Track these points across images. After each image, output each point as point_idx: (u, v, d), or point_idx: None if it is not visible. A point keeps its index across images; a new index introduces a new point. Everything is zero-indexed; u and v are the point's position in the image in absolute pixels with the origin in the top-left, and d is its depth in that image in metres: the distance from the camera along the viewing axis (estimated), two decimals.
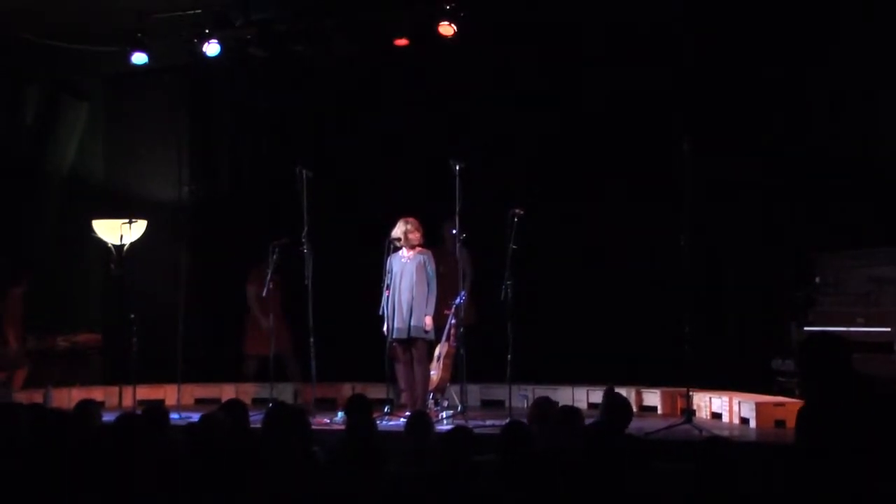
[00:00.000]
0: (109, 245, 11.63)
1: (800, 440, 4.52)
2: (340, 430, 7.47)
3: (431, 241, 9.86)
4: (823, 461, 4.28)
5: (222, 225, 12.57)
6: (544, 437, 5.72)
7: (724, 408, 9.20)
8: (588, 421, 6.05)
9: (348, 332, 11.38)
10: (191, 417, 8.11)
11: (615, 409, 6.22)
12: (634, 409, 9.88)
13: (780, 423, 8.55)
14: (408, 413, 8.22)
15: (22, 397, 9.56)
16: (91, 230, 11.69)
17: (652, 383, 10.18)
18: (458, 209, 9.24)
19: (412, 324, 9.35)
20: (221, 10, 10.60)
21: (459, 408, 9.41)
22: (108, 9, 10.62)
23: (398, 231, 9.47)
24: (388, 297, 9.44)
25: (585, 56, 11.13)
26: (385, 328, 9.46)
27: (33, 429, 5.75)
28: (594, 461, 4.81)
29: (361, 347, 11.39)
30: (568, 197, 11.13)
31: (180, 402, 10.16)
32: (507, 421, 6.20)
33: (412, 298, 9.36)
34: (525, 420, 6.23)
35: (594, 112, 11.08)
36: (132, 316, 10.28)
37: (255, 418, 6.49)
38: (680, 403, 9.48)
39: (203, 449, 5.47)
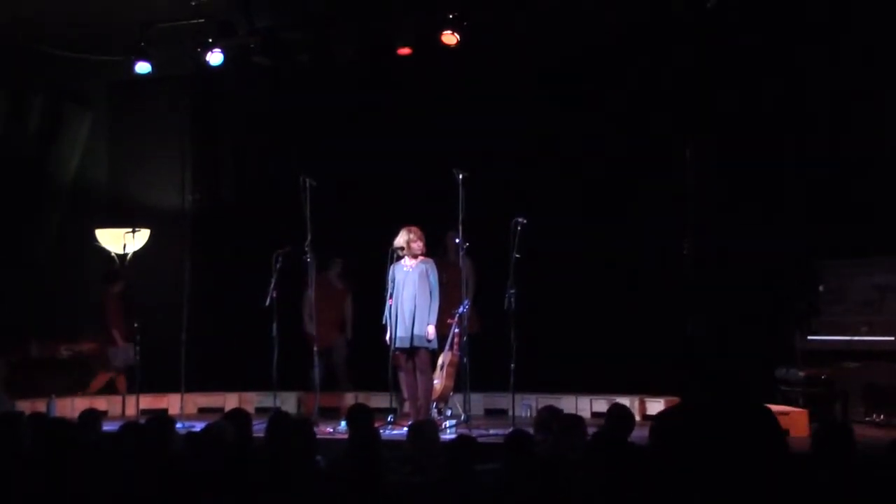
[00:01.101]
0: (113, 254, 11.65)
1: (653, 441, 4.62)
2: (343, 439, 7.46)
3: (435, 250, 9.86)
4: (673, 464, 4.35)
5: (226, 233, 12.57)
6: (547, 446, 5.71)
7: None
8: (590, 430, 6.03)
9: (352, 340, 11.40)
10: (194, 426, 8.10)
11: (616, 418, 6.21)
12: (638, 417, 9.90)
13: (783, 433, 8.51)
14: (411, 422, 8.20)
15: (25, 406, 9.56)
16: (94, 239, 11.70)
17: (655, 392, 10.16)
18: (461, 218, 9.23)
19: (415, 333, 9.34)
20: (224, 18, 10.62)
21: (463, 417, 9.39)
22: (112, 18, 10.66)
23: (401, 240, 9.46)
24: (390, 306, 9.42)
25: (588, 65, 11.15)
26: (388, 337, 9.44)
27: (35, 438, 5.75)
28: (597, 469, 4.80)
29: (365, 356, 11.40)
30: (571, 205, 11.13)
31: (183, 410, 10.16)
32: (510, 430, 6.20)
33: (415, 307, 9.34)
34: (528, 429, 6.21)
35: (597, 120, 11.09)
36: (135, 325, 10.29)
37: (259, 427, 6.49)
38: None
39: (206, 458, 5.46)
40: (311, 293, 10.08)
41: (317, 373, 9.81)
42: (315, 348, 9.91)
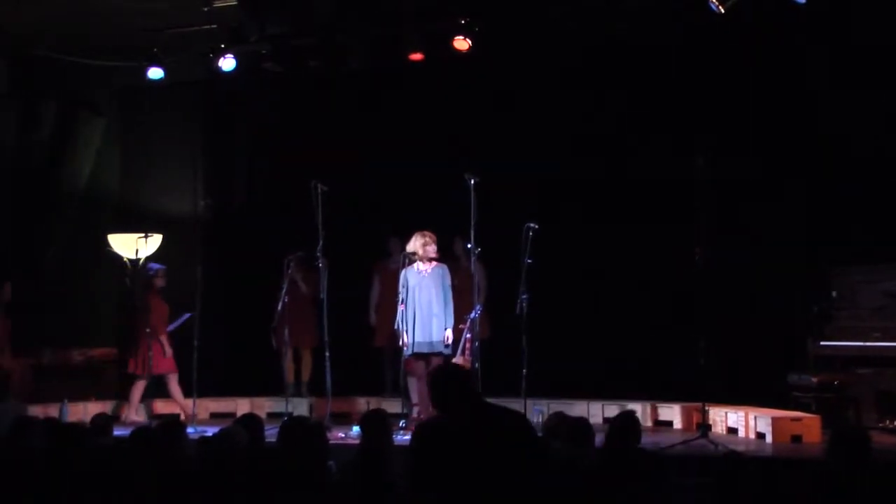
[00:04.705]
0: (125, 259, 11.67)
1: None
2: (355, 445, 7.45)
3: (443, 256, 9.85)
4: None
5: (238, 238, 12.58)
6: (557, 452, 5.69)
7: (740, 423, 9.16)
8: (600, 435, 6.01)
9: (363, 345, 11.40)
10: (206, 431, 8.11)
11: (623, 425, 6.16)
12: (650, 423, 9.91)
13: (796, 439, 8.52)
14: None
15: (37, 411, 9.58)
16: (106, 244, 11.73)
17: (668, 398, 10.15)
18: (472, 223, 9.22)
19: (434, 339, 9.32)
20: (236, 25, 10.64)
21: None
22: (124, 24, 10.69)
23: (416, 244, 9.43)
24: (402, 311, 9.41)
25: (599, 71, 11.15)
26: (401, 342, 9.44)
27: (47, 442, 5.77)
28: (608, 475, 4.80)
29: (376, 361, 11.40)
30: (583, 211, 11.13)
31: (195, 416, 10.17)
32: None
33: (433, 313, 9.32)
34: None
35: (609, 125, 11.09)
36: (147, 330, 10.30)
37: (271, 432, 6.49)
38: (696, 418, 9.45)
39: (219, 463, 5.46)
40: (323, 297, 9.98)
41: (328, 378, 9.74)
42: (327, 354, 9.83)
